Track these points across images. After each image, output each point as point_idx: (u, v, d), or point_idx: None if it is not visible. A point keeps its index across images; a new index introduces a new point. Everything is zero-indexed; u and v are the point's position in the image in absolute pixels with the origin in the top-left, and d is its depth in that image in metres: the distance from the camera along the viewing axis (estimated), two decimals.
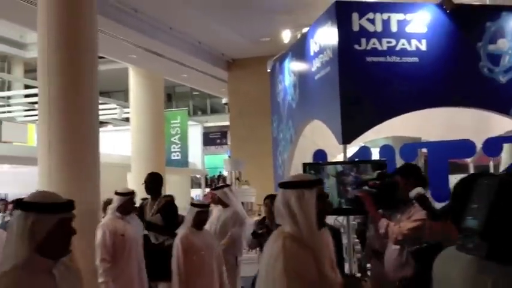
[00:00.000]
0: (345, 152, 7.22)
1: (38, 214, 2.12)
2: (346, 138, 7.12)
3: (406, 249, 4.43)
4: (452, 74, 7.33)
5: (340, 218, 7.67)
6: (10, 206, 10.84)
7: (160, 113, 15.35)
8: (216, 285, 5.15)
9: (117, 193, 5.67)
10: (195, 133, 23.29)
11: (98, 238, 5.55)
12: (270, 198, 6.50)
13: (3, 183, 14.95)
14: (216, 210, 7.69)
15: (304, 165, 7.24)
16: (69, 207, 2.24)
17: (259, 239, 5.96)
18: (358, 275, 6.57)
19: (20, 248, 2.10)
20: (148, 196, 6.39)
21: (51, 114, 7.33)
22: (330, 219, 6.74)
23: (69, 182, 7.07)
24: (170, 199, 6.31)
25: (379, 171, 6.38)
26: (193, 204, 5.29)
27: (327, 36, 7.77)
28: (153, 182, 6.31)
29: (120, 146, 17.94)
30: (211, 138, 18.62)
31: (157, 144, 14.54)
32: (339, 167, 6.79)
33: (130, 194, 5.69)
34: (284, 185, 2.72)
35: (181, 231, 5.26)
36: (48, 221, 2.12)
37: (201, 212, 5.14)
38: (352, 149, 8.05)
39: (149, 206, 6.13)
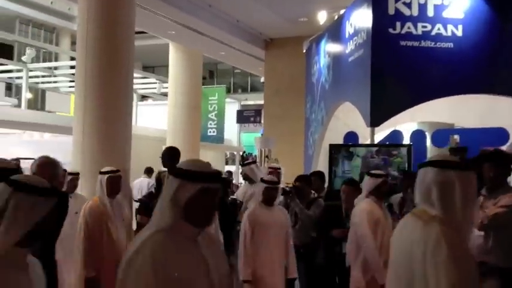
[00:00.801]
0: (372, 135, 7.27)
1: (182, 180, 2.12)
2: (374, 121, 7.17)
3: (491, 235, 4.27)
4: (488, 61, 7.24)
5: None
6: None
7: (198, 89, 15.54)
8: (283, 262, 5.01)
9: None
10: (232, 110, 23.47)
11: None
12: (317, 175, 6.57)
13: (46, 151, 15.50)
14: (243, 186, 7.87)
15: (330, 146, 7.34)
16: (215, 178, 2.16)
17: (286, 197, 5.95)
18: None
19: (166, 212, 2.11)
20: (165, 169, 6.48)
21: (87, 87, 7.58)
22: None
23: (100, 153, 7.33)
24: None
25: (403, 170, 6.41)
26: (262, 180, 5.14)
27: (362, 18, 7.77)
28: (169, 155, 6.43)
29: (159, 120, 18.27)
30: (246, 116, 18.72)
31: (193, 119, 14.77)
32: (365, 149, 6.87)
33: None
34: (445, 165, 2.43)
35: (250, 207, 5.23)
36: (191, 188, 2.10)
37: (270, 188, 4.97)
38: (385, 132, 8.08)
39: (166, 178, 6.26)
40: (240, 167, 16.24)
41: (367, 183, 4.73)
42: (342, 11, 9.17)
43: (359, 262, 4.66)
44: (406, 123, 8.69)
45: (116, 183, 4.90)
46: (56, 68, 20.39)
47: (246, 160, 17.36)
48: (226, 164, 23.01)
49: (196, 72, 15.38)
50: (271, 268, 4.91)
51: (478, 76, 7.24)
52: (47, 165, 3.97)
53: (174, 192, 2.12)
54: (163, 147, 5.99)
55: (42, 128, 13.83)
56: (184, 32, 12.33)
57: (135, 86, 20.92)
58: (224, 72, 27.98)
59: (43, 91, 21.46)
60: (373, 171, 4.90)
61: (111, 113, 7.59)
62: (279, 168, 6.68)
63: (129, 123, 8.00)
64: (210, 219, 2.19)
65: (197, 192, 2.10)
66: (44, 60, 22.18)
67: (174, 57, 15.05)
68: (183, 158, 12.40)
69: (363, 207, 4.62)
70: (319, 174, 6.60)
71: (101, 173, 4.96)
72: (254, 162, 7.38)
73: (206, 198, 2.12)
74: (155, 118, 19.86)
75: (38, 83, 19.94)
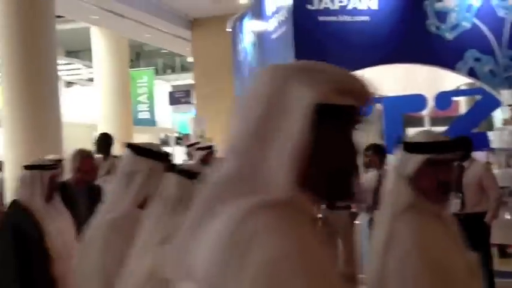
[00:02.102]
0: None
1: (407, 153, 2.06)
2: None
3: None
4: (402, 32, 7.63)
5: None
6: None
7: (125, 73, 15.37)
8: None
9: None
10: (163, 92, 23.31)
11: None
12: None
13: None
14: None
15: None
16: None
17: None
18: None
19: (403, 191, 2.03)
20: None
21: (12, 77, 7.46)
22: None
23: (32, 143, 7.27)
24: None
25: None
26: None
27: None
28: (103, 142, 6.50)
29: (88, 106, 17.96)
30: (177, 97, 18.69)
31: (123, 104, 14.63)
32: None
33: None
34: None
35: None
36: (416, 160, 2.02)
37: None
38: None
39: (101, 166, 6.29)
40: (176, 147, 16.25)
41: None
42: None
43: None
44: None
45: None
46: None
47: (179, 140, 17.41)
48: (163, 145, 22.90)
49: (122, 55, 15.19)
50: None
51: (394, 47, 7.62)
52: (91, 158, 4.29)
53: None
54: (95, 134, 6.03)
55: None
56: (108, 16, 12.16)
57: (59, 73, 20.45)
58: (151, 53, 27.59)
59: None
60: None
61: (37, 101, 7.52)
62: (209, 147, 6.74)
63: (57, 111, 7.94)
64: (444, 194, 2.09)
65: (424, 163, 2.02)
66: None
67: (97, 42, 14.78)
68: (117, 143, 12.47)
69: None
70: None
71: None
72: (198, 143, 7.56)
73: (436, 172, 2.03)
74: (84, 105, 19.49)
75: None
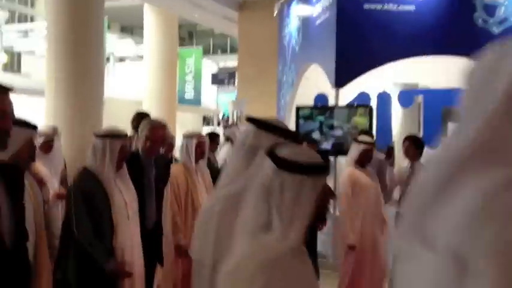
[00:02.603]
0: (337, 96, 7.55)
1: None
2: (339, 82, 7.44)
3: None
4: (447, 24, 7.51)
5: None
6: None
7: (174, 51, 15.60)
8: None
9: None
10: (211, 72, 23.54)
11: None
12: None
13: (20, 113, 15.51)
14: (224, 147, 8.13)
15: (297, 108, 7.64)
16: None
17: None
18: None
19: None
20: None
21: (58, 48, 7.71)
22: None
23: (73, 117, 7.51)
24: None
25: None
26: (356, 140, 5.19)
27: None
28: (139, 120, 6.60)
29: (135, 82, 18.35)
30: (221, 79, 18.86)
31: (169, 82, 14.88)
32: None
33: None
34: None
35: (348, 168, 5.17)
36: None
37: (367, 150, 5.07)
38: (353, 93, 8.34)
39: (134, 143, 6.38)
40: (218, 128, 16.46)
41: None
42: None
43: None
44: (373, 85, 8.95)
45: (202, 147, 4.64)
46: (31, 31, 20.19)
47: (226, 121, 17.61)
48: (206, 125, 23.24)
49: (172, 33, 15.41)
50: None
51: (438, 38, 7.51)
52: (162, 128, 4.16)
53: None
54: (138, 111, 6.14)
55: (18, 91, 13.87)
56: None
57: (111, 49, 20.96)
58: (203, 33, 27.85)
59: (19, 54, 21.30)
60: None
61: (82, 74, 7.72)
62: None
63: (100, 86, 8.17)
64: None
65: None
66: (19, 22, 21.93)
67: (148, 19, 15.05)
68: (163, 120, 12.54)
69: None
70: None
71: (186, 136, 4.63)
72: (236, 124, 7.65)
73: None
74: (132, 81, 19.92)
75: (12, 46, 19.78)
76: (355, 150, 5.12)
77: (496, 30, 7.51)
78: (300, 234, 1.56)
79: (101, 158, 3.45)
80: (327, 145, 6.83)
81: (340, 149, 6.86)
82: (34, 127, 2.93)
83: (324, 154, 6.83)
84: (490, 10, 7.53)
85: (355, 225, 4.90)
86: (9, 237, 2.09)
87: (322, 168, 1.63)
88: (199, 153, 4.58)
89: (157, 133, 4.01)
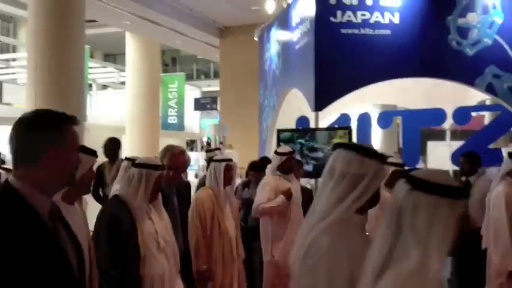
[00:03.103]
0: (317, 118, 7.68)
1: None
2: (319, 106, 7.57)
3: None
4: (423, 47, 7.71)
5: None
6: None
7: (156, 77, 15.72)
8: None
9: (276, 153, 5.39)
10: (193, 97, 23.66)
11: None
12: None
13: (2, 143, 15.45)
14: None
15: (278, 131, 7.75)
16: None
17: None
18: None
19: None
20: (106, 160, 6.43)
21: (38, 78, 7.78)
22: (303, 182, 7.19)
23: None
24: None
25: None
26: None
27: (307, 7, 8.13)
28: (111, 146, 6.50)
29: (118, 109, 18.39)
30: (203, 103, 18.99)
31: (152, 107, 14.97)
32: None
33: (290, 154, 5.32)
34: None
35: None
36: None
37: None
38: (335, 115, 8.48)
39: (107, 170, 6.29)
40: (202, 153, 16.50)
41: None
42: (289, 0, 9.52)
43: None
44: (353, 106, 9.10)
45: (230, 173, 4.57)
46: (14, 60, 20.19)
47: (208, 145, 17.67)
48: (189, 150, 23.26)
49: (154, 60, 15.55)
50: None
51: (415, 61, 7.70)
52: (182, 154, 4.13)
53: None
54: (122, 136, 6.15)
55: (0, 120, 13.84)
56: (139, 22, 12.52)
57: (94, 76, 21.01)
58: (186, 59, 28.03)
59: (0, 83, 21.23)
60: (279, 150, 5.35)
61: (63, 101, 7.78)
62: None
63: (82, 112, 8.22)
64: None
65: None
66: (2, 52, 21.93)
67: (131, 46, 15.18)
68: (143, 147, 12.96)
69: None
70: None
71: (215, 160, 4.56)
72: (218, 149, 7.71)
73: None
74: (115, 107, 19.94)
75: None
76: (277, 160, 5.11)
77: (469, 51, 7.72)
78: (440, 260, 1.51)
79: (135, 186, 3.41)
80: (308, 167, 6.92)
81: (321, 171, 6.94)
82: (95, 154, 3.01)
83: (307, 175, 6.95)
84: (463, 32, 7.76)
85: None
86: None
87: (460, 191, 1.57)
88: (228, 179, 4.50)
89: (178, 160, 3.97)
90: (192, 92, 23.97)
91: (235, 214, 4.67)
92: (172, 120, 19.77)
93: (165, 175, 3.76)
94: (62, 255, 1.66)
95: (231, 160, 4.62)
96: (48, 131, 1.69)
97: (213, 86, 25.81)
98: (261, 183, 5.20)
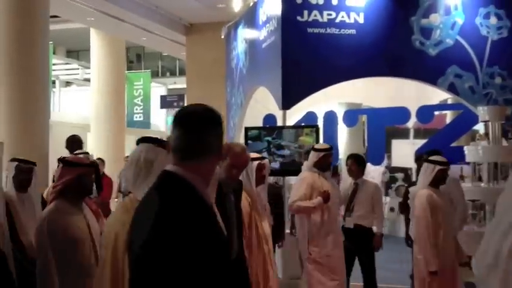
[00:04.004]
0: (284, 117, 7.74)
1: None
2: (286, 104, 7.63)
3: None
4: (387, 46, 7.85)
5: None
6: None
7: (121, 74, 15.53)
8: None
9: (314, 149, 5.35)
10: (159, 94, 23.50)
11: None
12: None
13: None
14: None
15: (246, 128, 7.78)
16: None
17: None
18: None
19: None
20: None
21: (2, 74, 7.63)
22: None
23: (17, 141, 7.41)
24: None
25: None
26: (429, 161, 4.89)
27: (273, 6, 8.18)
28: (70, 143, 6.65)
29: (82, 106, 18.13)
30: (169, 101, 18.89)
31: (117, 105, 14.77)
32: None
33: (328, 150, 5.26)
34: None
35: (422, 191, 4.83)
36: None
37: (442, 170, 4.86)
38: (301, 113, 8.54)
39: None
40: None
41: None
42: None
43: None
44: (320, 105, 9.19)
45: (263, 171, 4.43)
46: None
47: None
48: None
49: (119, 57, 15.36)
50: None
51: (379, 60, 7.84)
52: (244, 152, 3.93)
53: None
54: (88, 134, 6.13)
55: None
56: (104, 18, 12.35)
57: (57, 72, 20.64)
58: (152, 56, 27.75)
59: None
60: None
61: (27, 99, 7.65)
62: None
63: (46, 109, 8.10)
64: None
65: None
66: None
67: (95, 42, 14.96)
68: (108, 144, 12.86)
69: None
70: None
71: None
72: None
73: None
74: (79, 105, 19.65)
75: None
76: (429, 170, 4.87)
77: (432, 52, 7.90)
78: None
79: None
80: (275, 165, 6.97)
81: (287, 168, 7.02)
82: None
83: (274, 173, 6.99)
84: (427, 33, 7.93)
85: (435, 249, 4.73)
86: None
87: None
88: (260, 178, 4.34)
89: (241, 159, 3.78)
90: (157, 89, 23.79)
91: (268, 214, 4.58)
92: (138, 117, 19.59)
93: (229, 173, 3.67)
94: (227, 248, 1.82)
95: (263, 158, 4.50)
96: (219, 125, 1.76)
97: (179, 83, 25.60)
98: (297, 178, 5.25)
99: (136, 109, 19.83)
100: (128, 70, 19.15)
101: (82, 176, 3.38)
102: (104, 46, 14.91)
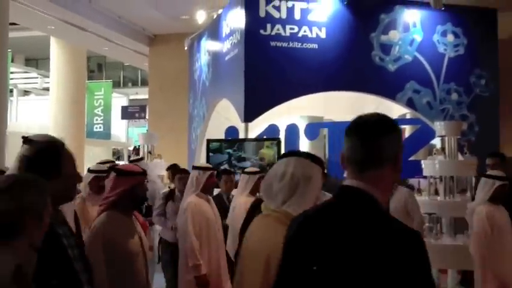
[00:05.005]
0: (246, 129, 7.76)
1: None
2: (248, 117, 7.66)
3: None
4: (348, 61, 8.00)
5: None
6: None
7: (82, 84, 15.31)
8: None
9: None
10: (120, 105, 23.23)
11: None
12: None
13: None
14: None
15: (208, 140, 7.77)
16: None
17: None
18: None
19: None
20: None
21: None
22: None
23: None
24: None
25: None
26: (488, 176, 4.71)
27: (237, 19, 8.23)
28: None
29: (41, 116, 17.76)
30: (131, 112, 18.69)
31: (77, 115, 14.54)
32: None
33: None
34: None
35: (481, 207, 4.62)
36: None
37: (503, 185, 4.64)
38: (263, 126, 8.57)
39: None
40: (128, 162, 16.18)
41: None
42: (220, 11, 9.58)
43: None
44: (282, 118, 9.25)
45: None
46: None
47: (135, 152, 17.37)
48: (116, 159, 22.75)
49: (80, 66, 15.16)
50: None
51: (340, 75, 7.97)
52: None
53: None
54: None
55: None
56: (65, 27, 12.16)
57: (15, 81, 20.20)
58: (113, 65, 27.43)
59: None
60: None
61: None
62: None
63: (3, 119, 7.89)
64: None
65: None
66: None
67: (55, 51, 14.72)
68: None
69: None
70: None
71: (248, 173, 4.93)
72: (142, 158, 7.59)
73: None
74: (38, 114, 19.24)
75: None
76: (488, 186, 4.65)
77: (391, 67, 8.08)
78: None
79: None
80: (236, 177, 6.96)
81: None
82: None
83: None
84: (386, 49, 8.12)
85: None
86: None
87: None
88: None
89: None
90: (119, 100, 23.52)
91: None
92: (98, 128, 19.30)
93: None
94: None
95: (265, 171, 4.65)
96: (394, 132, 1.65)
97: (141, 94, 25.35)
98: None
99: (97, 119, 19.54)
100: (88, 80, 18.90)
101: (136, 186, 3.14)
102: (64, 55, 14.69)
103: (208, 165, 4.77)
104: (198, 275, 4.19)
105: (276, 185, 2.34)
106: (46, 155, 2.06)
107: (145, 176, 3.30)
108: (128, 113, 18.90)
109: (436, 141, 8.25)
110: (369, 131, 1.63)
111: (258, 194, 4.81)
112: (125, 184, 3.09)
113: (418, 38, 8.20)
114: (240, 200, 4.85)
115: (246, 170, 5.20)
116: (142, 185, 3.21)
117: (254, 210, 3.49)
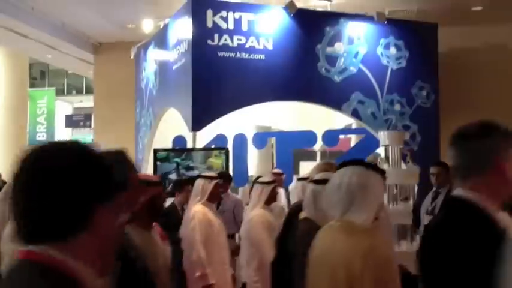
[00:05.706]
0: (194, 138, 7.75)
1: None
2: (196, 126, 7.65)
3: None
4: (294, 72, 8.12)
5: None
6: None
7: (24, 92, 14.89)
8: None
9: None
10: (64, 113, 22.67)
11: None
12: None
13: None
14: None
15: (154, 150, 7.71)
16: None
17: None
18: None
19: None
20: None
21: None
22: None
23: None
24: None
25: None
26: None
27: (184, 29, 8.21)
28: None
29: None
30: (75, 121, 18.28)
31: (18, 124, 14.12)
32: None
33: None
34: None
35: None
36: None
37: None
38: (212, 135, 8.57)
39: None
40: None
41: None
42: (167, 20, 9.53)
43: None
44: (230, 127, 9.28)
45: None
46: None
47: None
48: None
49: (22, 73, 14.75)
50: None
51: (287, 85, 8.07)
52: None
53: None
54: None
55: None
56: (5, 33, 11.79)
57: None
58: (57, 73, 26.75)
59: None
60: None
61: None
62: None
63: None
64: None
65: None
66: None
67: None
68: (7, 165, 11.98)
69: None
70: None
71: (260, 182, 4.65)
72: None
73: None
74: None
75: None
76: None
77: (337, 78, 8.26)
78: None
79: None
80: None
81: None
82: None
83: None
84: (332, 60, 8.29)
85: None
86: None
87: None
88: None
89: None
90: (62, 108, 22.97)
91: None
92: (41, 137, 18.74)
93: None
94: None
95: (275, 182, 4.69)
96: (495, 137, 1.66)
97: (85, 102, 24.81)
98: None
99: (39, 128, 18.99)
100: (30, 87, 18.37)
101: (156, 197, 2.92)
102: (6, 61, 14.27)
103: (214, 174, 4.81)
104: (205, 284, 4.15)
105: (334, 196, 2.38)
106: None
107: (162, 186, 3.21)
108: (72, 122, 18.48)
109: (380, 150, 8.46)
110: (460, 137, 1.70)
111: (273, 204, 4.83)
112: (145, 195, 2.84)
113: (363, 50, 8.41)
114: (255, 212, 4.55)
115: (259, 180, 4.84)
116: (162, 196, 3.07)
117: (292, 217, 3.54)
